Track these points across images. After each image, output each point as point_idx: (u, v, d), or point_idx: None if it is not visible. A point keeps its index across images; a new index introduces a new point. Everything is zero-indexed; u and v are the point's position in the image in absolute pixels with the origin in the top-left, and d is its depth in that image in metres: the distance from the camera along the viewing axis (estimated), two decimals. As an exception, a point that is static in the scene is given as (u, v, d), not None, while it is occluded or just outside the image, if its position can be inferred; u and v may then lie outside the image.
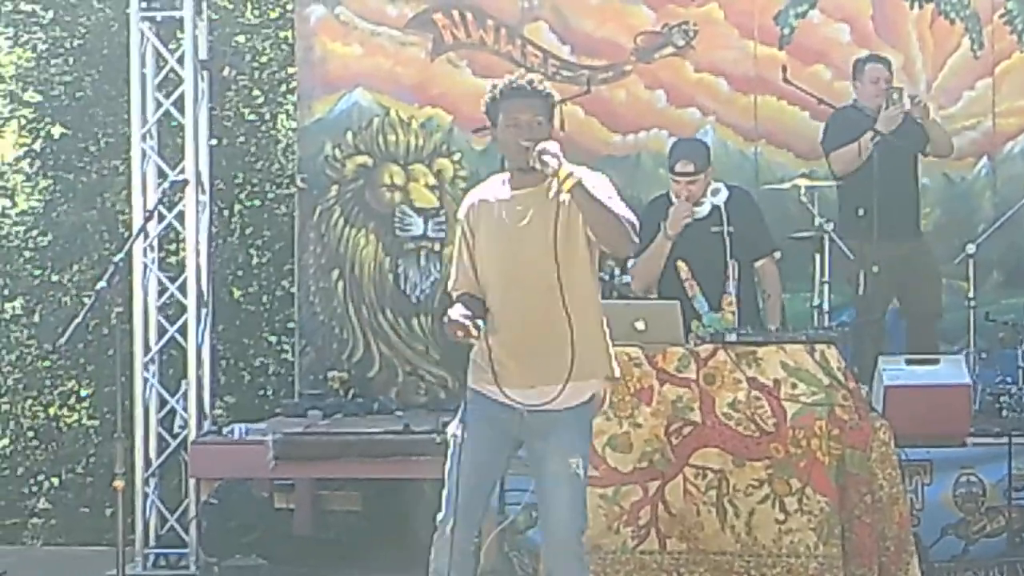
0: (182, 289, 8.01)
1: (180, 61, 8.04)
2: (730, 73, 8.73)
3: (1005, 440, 6.75)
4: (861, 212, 7.51)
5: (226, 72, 9.53)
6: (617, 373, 5.18)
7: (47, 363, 10.76)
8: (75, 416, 10.88)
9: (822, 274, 7.48)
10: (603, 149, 8.63)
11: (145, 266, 7.97)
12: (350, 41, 8.92)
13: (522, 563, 6.43)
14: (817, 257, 7.49)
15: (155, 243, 8.14)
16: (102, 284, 5.81)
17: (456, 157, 8.86)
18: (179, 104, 8.04)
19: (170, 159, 8.13)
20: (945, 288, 8.13)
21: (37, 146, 10.82)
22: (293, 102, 9.78)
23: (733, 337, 6.31)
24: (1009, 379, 7.75)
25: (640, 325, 6.21)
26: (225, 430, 7.85)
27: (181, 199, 7.98)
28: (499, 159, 5.52)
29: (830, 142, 7.87)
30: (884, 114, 7.69)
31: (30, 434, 10.90)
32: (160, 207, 7.74)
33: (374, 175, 8.92)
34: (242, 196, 10.78)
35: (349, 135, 8.92)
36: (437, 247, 8.84)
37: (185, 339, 7.97)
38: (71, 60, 10.72)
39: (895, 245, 7.64)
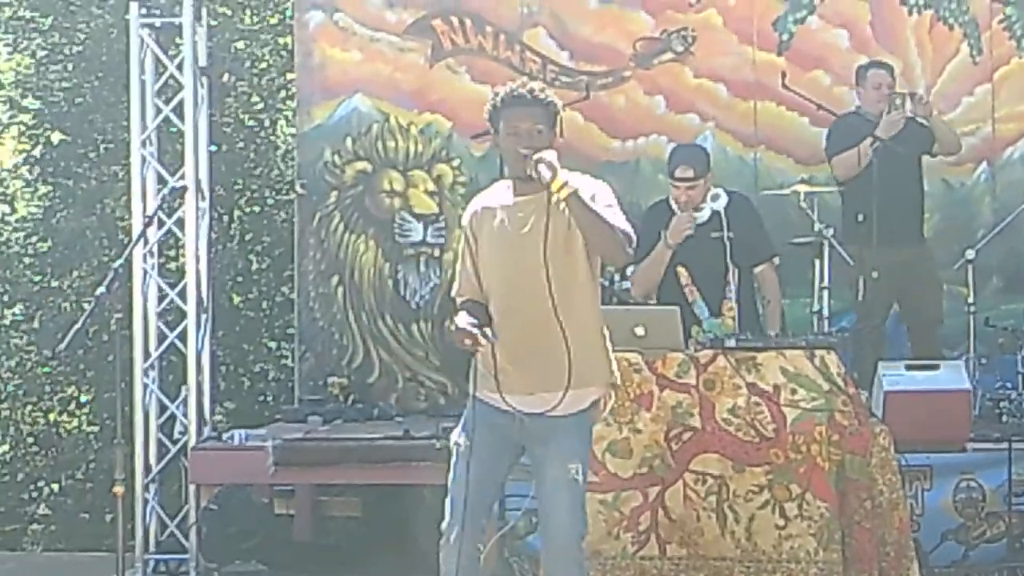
0: (182, 295, 8.00)
1: (179, 67, 8.04)
2: (729, 79, 8.72)
3: (1005, 445, 6.74)
4: (860, 218, 7.51)
5: (225, 78, 9.57)
6: (618, 379, 5.17)
7: (47, 369, 10.75)
8: (75, 422, 10.87)
9: (822, 280, 7.49)
10: (602, 155, 8.62)
11: (145, 272, 7.97)
12: (349, 47, 8.90)
13: (522, 568, 6.43)
14: (817, 263, 7.50)
15: (155, 249, 8.14)
16: (102, 290, 5.79)
17: (455, 163, 8.85)
18: (179, 110, 8.04)
19: (170, 165, 8.14)
20: (945, 294, 8.12)
21: (37, 152, 10.82)
22: (292, 108, 9.76)
23: (733, 343, 6.32)
24: (1009, 384, 7.73)
25: (640, 331, 6.21)
26: (225, 436, 7.82)
27: (181, 205, 8.00)
28: (498, 165, 5.53)
29: (832, 148, 7.87)
30: (885, 119, 7.69)
31: (30, 440, 10.89)
32: (160, 213, 7.74)
33: (373, 181, 8.91)
34: (242, 202, 10.77)
35: (348, 141, 8.90)
36: (437, 253, 8.83)
37: (185, 345, 7.97)
38: (70, 66, 10.72)
39: (895, 251, 7.63)
